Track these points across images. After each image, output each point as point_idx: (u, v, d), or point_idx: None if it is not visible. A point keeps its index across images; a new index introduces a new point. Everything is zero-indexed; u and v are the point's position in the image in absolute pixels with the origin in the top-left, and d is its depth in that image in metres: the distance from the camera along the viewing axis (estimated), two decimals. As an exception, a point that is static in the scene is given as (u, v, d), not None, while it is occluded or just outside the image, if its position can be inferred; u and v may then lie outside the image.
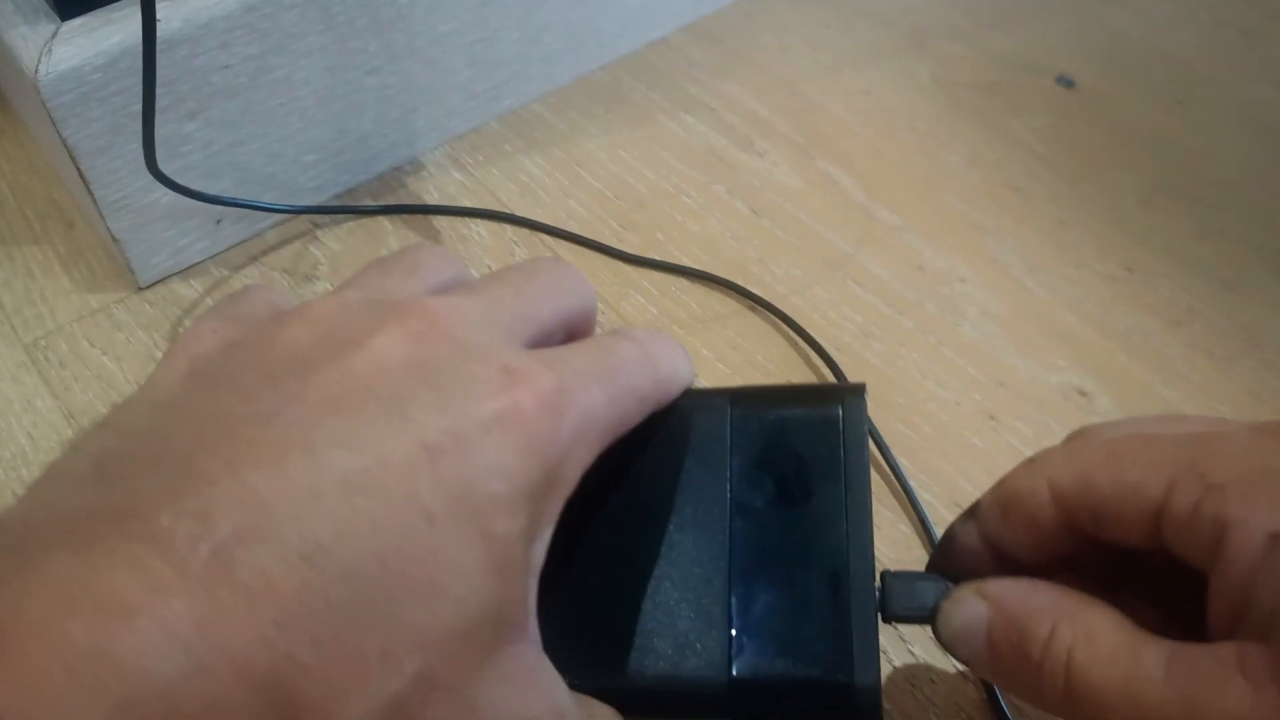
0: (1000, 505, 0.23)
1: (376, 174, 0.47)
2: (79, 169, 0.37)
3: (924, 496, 0.36)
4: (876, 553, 0.33)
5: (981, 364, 0.40)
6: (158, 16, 0.36)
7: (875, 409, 0.38)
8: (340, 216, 0.45)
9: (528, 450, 0.19)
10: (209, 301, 0.42)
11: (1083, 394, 0.39)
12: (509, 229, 0.45)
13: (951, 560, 0.25)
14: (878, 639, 0.24)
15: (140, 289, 0.42)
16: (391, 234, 0.44)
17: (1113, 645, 0.19)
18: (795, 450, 0.25)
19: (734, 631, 0.23)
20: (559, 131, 0.49)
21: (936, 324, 0.41)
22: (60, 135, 0.36)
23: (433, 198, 0.46)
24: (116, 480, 0.18)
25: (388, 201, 0.46)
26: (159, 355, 0.40)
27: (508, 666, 0.19)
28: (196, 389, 0.20)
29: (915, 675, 0.32)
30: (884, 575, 0.25)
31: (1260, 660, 0.17)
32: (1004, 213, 0.46)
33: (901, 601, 0.25)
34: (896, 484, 0.36)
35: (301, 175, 0.44)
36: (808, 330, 0.40)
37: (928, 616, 0.25)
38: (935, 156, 0.48)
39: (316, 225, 0.45)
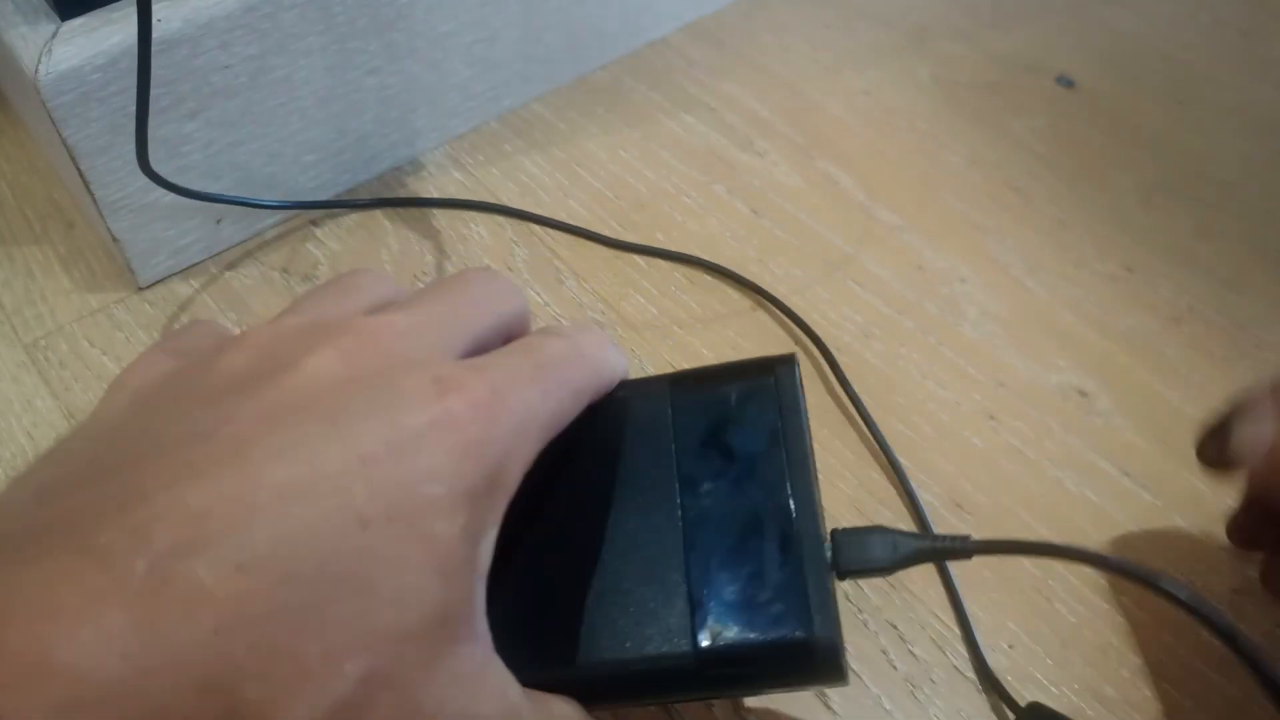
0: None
1: (377, 174, 0.47)
2: (79, 169, 0.37)
3: (924, 497, 0.36)
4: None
5: (981, 364, 0.40)
6: (158, 17, 0.36)
7: (876, 409, 0.38)
8: (341, 216, 0.45)
9: (463, 453, 0.20)
10: (209, 301, 0.42)
11: (1083, 394, 0.39)
12: (509, 229, 0.45)
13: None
14: (834, 594, 0.24)
15: (140, 289, 0.42)
16: (391, 233, 0.44)
17: None
18: (735, 424, 0.26)
19: (694, 605, 0.23)
20: (559, 131, 0.49)
21: (936, 324, 0.41)
22: (60, 135, 0.36)
23: (431, 196, 0.46)
24: (56, 502, 0.18)
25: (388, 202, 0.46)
26: (159, 355, 0.40)
27: (456, 666, 0.19)
28: (136, 415, 0.21)
29: (915, 676, 0.32)
30: (834, 533, 0.26)
31: None
32: (1004, 213, 0.46)
33: (853, 556, 0.25)
34: (898, 484, 0.36)
35: (301, 175, 0.44)
36: (810, 326, 0.40)
37: (881, 569, 0.25)
38: (935, 156, 0.48)
39: (316, 225, 0.45)
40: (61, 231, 0.45)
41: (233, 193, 0.42)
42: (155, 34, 0.36)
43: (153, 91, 0.37)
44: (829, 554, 0.24)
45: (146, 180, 0.39)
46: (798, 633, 0.23)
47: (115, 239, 0.40)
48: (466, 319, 0.24)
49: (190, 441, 0.19)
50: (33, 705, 0.15)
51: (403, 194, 0.46)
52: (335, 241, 0.44)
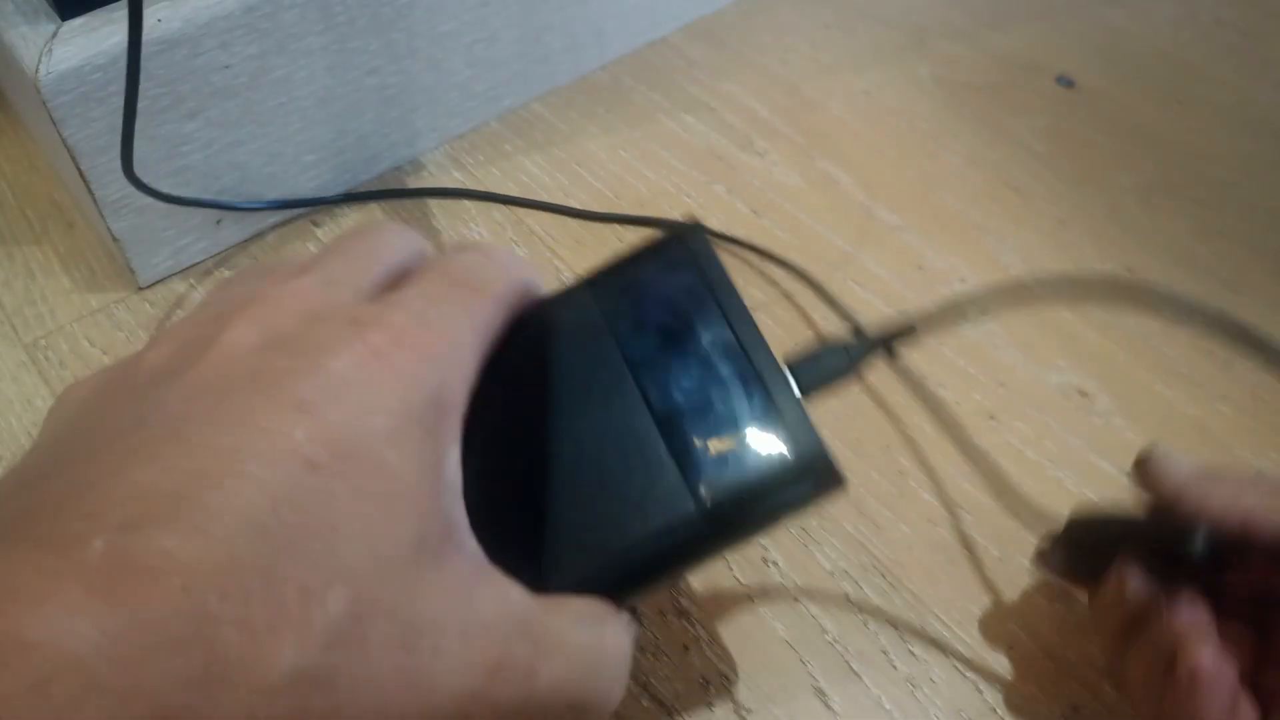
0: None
1: (377, 174, 0.47)
2: (79, 169, 0.37)
3: (924, 496, 0.36)
4: (876, 553, 0.34)
5: (982, 364, 0.40)
6: (158, 17, 0.36)
7: (876, 410, 0.38)
8: (341, 217, 0.45)
9: (397, 381, 0.20)
10: (209, 301, 0.42)
11: (1083, 394, 0.39)
12: (509, 228, 0.45)
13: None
14: (807, 413, 0.24)
15: (140, 289, 0.42)
16: (392, 234, 0.44)
17: None
18: (663, 297, 0.26)
19: (683, 469, 0.24)
20: (559, 131, 0.49)
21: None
22: (60, 135, 0.36)
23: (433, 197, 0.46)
24: (6, 505, 0.19)
25: (387, 201, 0.46)
26: (159, 355, 0.40)
27: (445, 582, 0.20)
28: (77, 422, 0.21)
29: (915, 677, 0.32)
30: (787, 359, 0.26)
31: None
32: (1004, 213, 0.46)
33: (813, 373, 0.26)
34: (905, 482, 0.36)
35: (302, 175, 0.44)
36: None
37: (841, 375, 0.27)
38: (935, 156, 0.48)
39: (316, 225, 0.45)
40: (62, 231, 0.45)
41: (233, 192, 0.42)
42: (155, 34, 0.36)
43: (153, 91, 0.37)
44: (790, 378, 0.25)
45: (147, 180, 0.39)
46: (788, 455, 0.23)
47: (115, 239, 0.40)
48: (369, 264, 0.24)
49: (127, 432, 0.19)
50: (10, 684, 0.15)
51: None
52: (335, 241, 0.44)
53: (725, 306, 0.26)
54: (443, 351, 0.21)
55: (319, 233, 0.44)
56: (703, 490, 0.23)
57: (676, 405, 0.25)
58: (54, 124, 0.36)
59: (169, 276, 0.43)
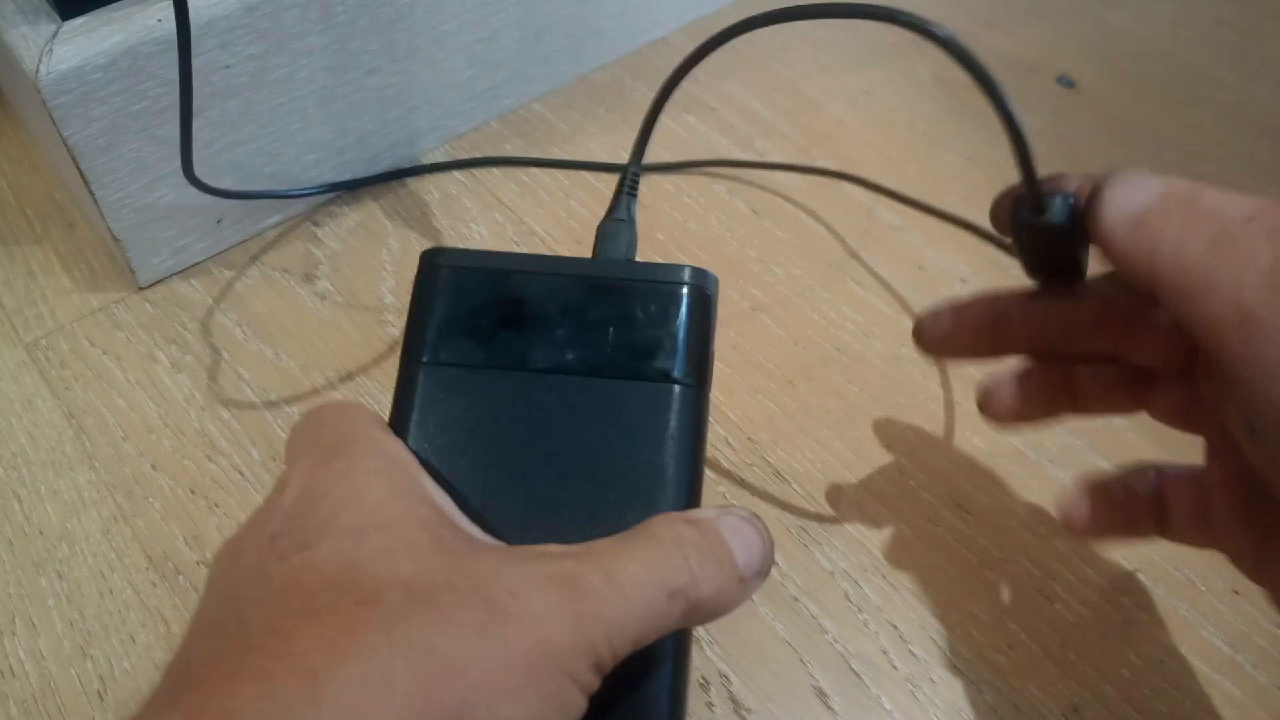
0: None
1: (377, 174, 0.47)
2: (79, 169, 0.37)
3: (924, 496, 0.36)
4: (876, 553, 0.33)
5: (982, 364, 0.40)
6: (158, 17, 0.36)
7: (876, 408, 0.38)
8: (341, 217, 0.45)
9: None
10: (209, 301, 0.42)
11: (1083, 394, 0.39)
12: (509, 228, 0.45)
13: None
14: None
15: (141, 289, 0.42)
16: (391, 234, 0.44)
17: None
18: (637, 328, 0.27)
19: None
20: (559, 131, 0.49)
21: (937, 324, 0.41)
22: (61, 135, 0.36)
23: (433, 197, 0.46)
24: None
25: (388, 202, 0.46)
26: (159, 355, 0.40)
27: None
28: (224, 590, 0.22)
29: (915, 676, 0.32)
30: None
31: None
32: (1004, 213, 0.45)
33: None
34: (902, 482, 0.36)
35: (302, 175, 0.44)
36: (795, 331, 0.40)
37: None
38: (935, 156, 0.48)
39: (316, 225, 0.45)
40: (62, 231, 0.45)
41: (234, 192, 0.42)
42: (155, 34, 0.36)
43: (153, 91, 0.37)
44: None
45: (147, 180, 0.39)
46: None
47: (116, 239, 0.40)
48: None
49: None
50: None
51: (403, 193, 0.46)
52: (335, 241, 0.44)
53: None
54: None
55: (319, 233, 0.44)
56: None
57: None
58: (54, 124, 0.36)
59: (169, 276, 0.43)
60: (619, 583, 0.21)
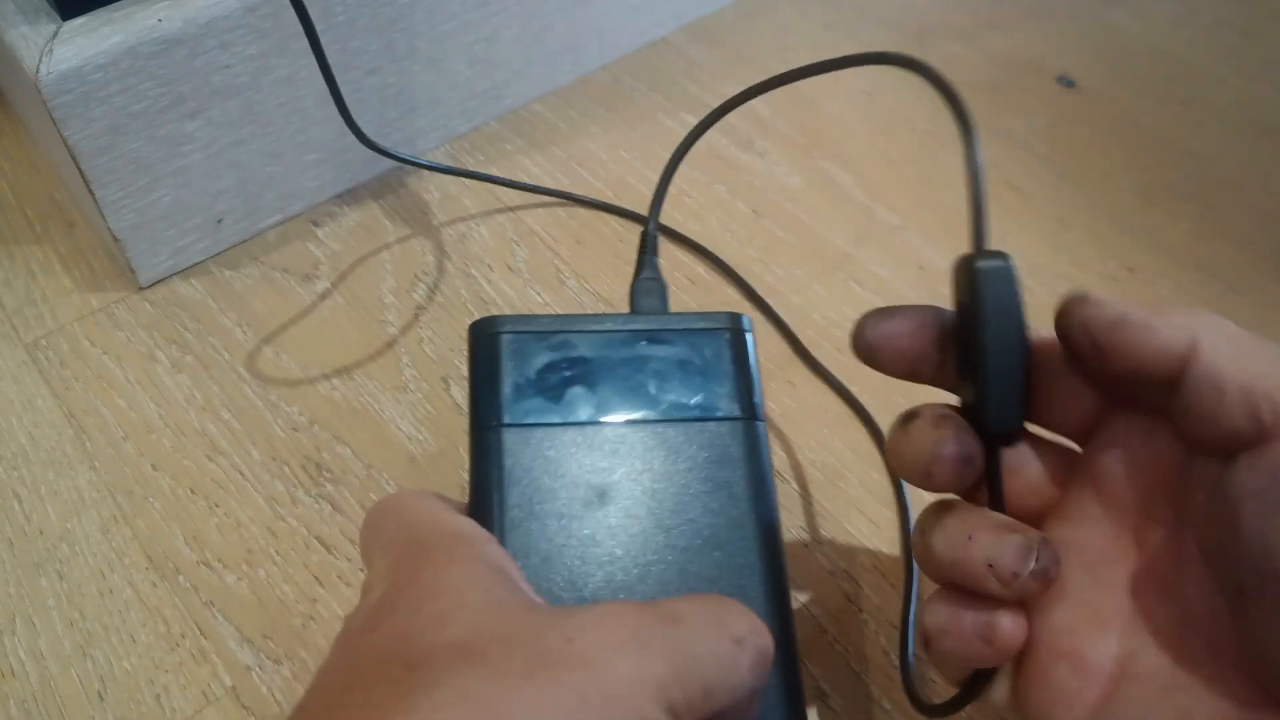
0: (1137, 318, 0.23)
1: (377, 173, 0.47)
2: (79, 169, 0.37)
3: (924, 497, 0.36)
4: (876, 552, 0.34)
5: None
6: (158, 18, 0.36)
7: (876, 409, 0.38)
8: (341, 217, 0.45)
9: None
10: (210, 301, 0.42)
11: (1083, 394, 0.39)
12: (509, 228, 0.45)
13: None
14: None
15: (141, 288, 0.42)
16: (392, 233, 0.44)
17: None
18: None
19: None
20: (559, 131, 0.49)
21: (937, 324, 0.41)
22: (61, 135, 0.36)
23: (433, 197, 0.46)
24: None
25: (388, 202, 0.46)
26: (159, 355, 0.40)
27: None
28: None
29: (916, 676, 0.32)
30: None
31: None
32: (1004, 213, 0.46)
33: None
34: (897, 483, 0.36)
35: (302, 175, 0.44)
36: (795, 330, 0.40)
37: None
38: (935, 156, 0.48)
39: (316, 225, 0.45)
40: (62, 231, 0.45)
41: (232, 193, 0.42)
42: (156, 34, 0.36)
43: (154, 91, 0.37)
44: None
45: (147, 180, 0.39)
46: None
47: (116, 239, 0.40)
48: None
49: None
50: None
51: (403, 193, 0.46)
52: (336, 241, 0.44)
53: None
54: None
55: (319, 233, 0.44)
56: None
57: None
58: (54, 124, 0.36)
59: (170, 276, 0.43)
60: (680, 623, 0.21)
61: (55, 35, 0.35)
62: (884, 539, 0.35)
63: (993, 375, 0.25)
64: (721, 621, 0.21)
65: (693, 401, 0.27)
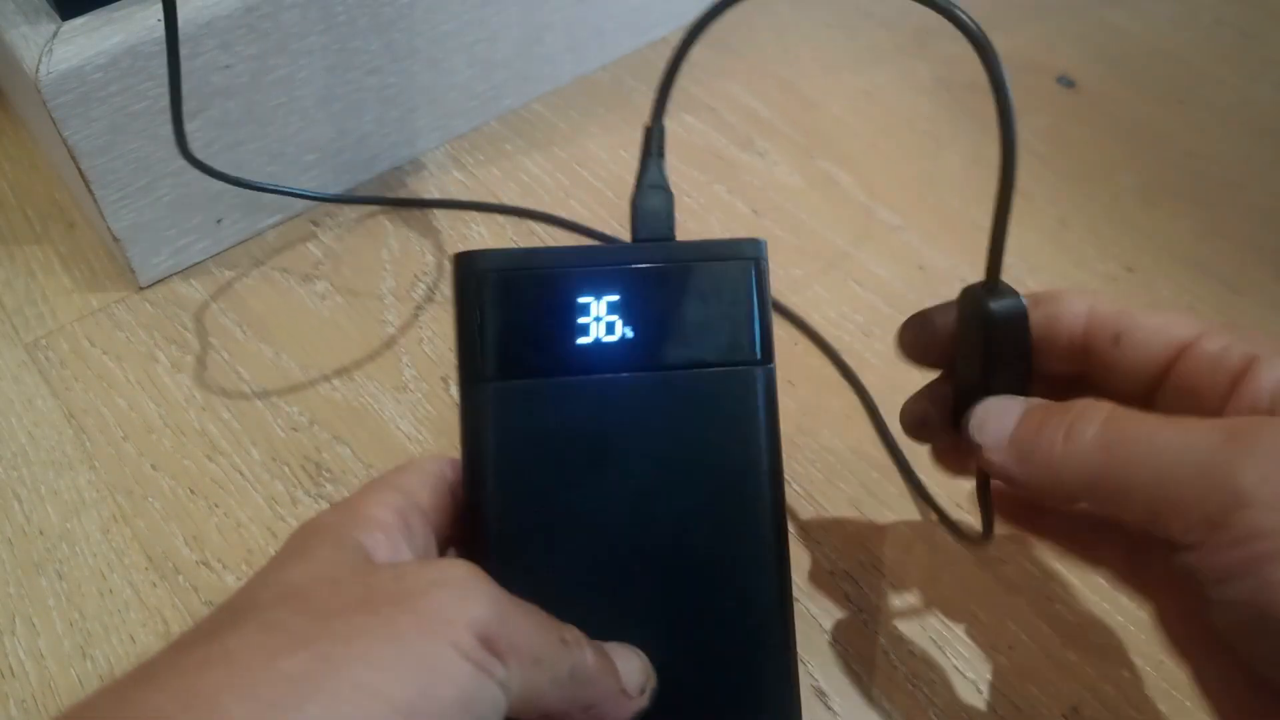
0: (1038, 299, 0.25)
1: (377, 174, 0.47)
2: (79, 169, 0.37)
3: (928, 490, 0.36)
4: (876, 553, 0.33)
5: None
6: (158, 17, 0.36)
7: (877, 409, 0.38)
8: (341, 217, 0.45)
9: None
10: (209, 301, 0.42)
11: (1083, 394, 0.39)
12: (509, 228, 0.45)
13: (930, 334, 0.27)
14: None
15: (141, 288, 0.42)
16: (391, 234, 0.44)
17: (1149, 414, 0.22)
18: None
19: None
20: (559, 131, 0.49)
21: (937, 324, 0.41)
22: (61, 135, 0.36)
23: (433, 197, 0.46)
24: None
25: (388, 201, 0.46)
26: (159, 355, 0.40)
27: None
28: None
29: (916, 676, 0.32)
30: None
31: None
32: (1004, 213, 0.45)
33: None
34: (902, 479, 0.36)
35: (302, 175, 0.44)
36: (795, 330, 0.40)
37: None
38: (935, 156, 0.48)
39: (316, 225, 0.45)
40: (62, 231, 0.45)
41: (234, 191, 0.42)
42: (156, 34, 0.36)
43: (153, 91, 0.37)
44: None
45: (147, 180, 0.39)
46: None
47: (116, 239, 0.40)
48: None
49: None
50: None
51: (403, 194, 0.46)
52: (335, 241, 0.44)
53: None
54: None
55: (319, 233, 0.44)
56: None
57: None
58: (54, 124, 0.36)
59: (169, 276, 0.43)
60: (517, 601, 0.21)
61: (55, 35, 0.35)
62: (884, 538, 0.35)
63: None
64: (556, 625, 0.22)
65: (699, 345, 0.25)
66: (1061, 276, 0.43)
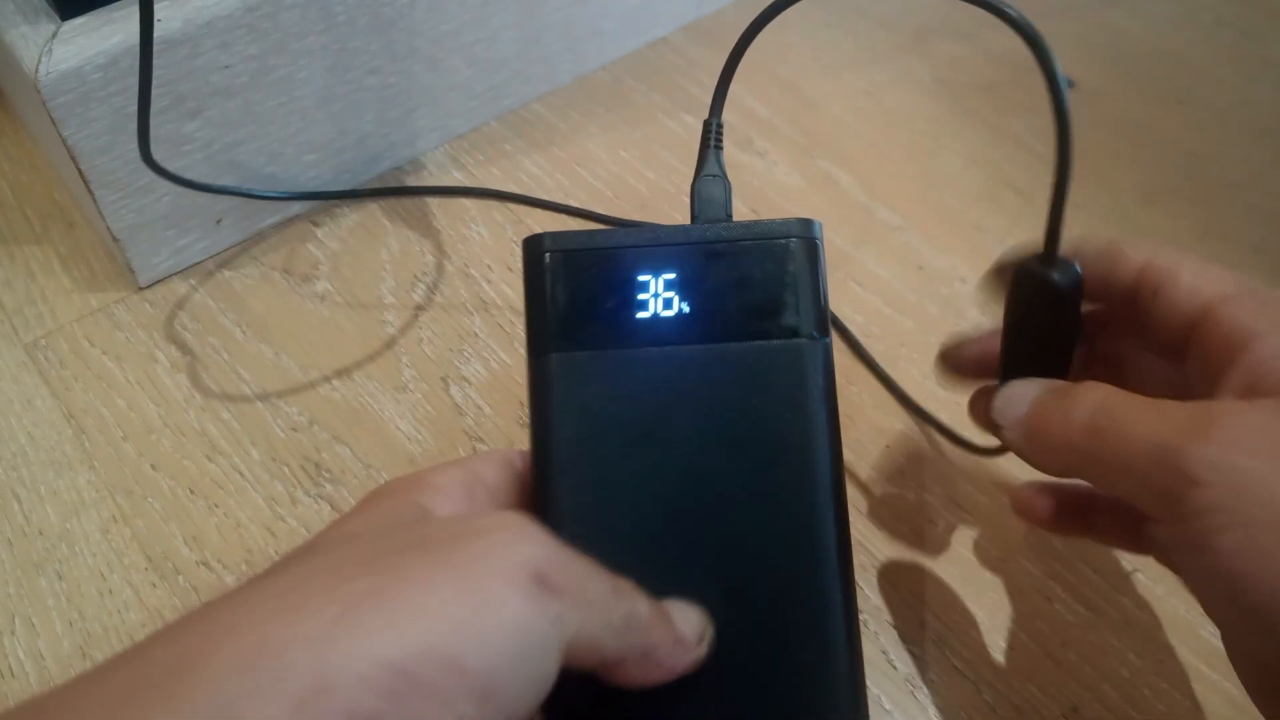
0: (1103, 248, 0.27)
1: (377, 174, 0.47)
2: (79, 169, 0.37)
3: (924, 497, 0.36)
4: (876, 553, 0.33)
5: (981, 364, 0.40)
6: (159, 17, 0.36)
7: (876, 409, 0.38)
8: (341, 217, 0.45)
9: None
10: (209, 301, 0.42)
11: (1083, 394, 0.39)
12: (509, 229, 0.45)
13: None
14: None
15: (140, 289, 0.42)
16: (391, 233, 0.44)
17: (1137, 395, 0.24)
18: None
19: None
20: (559, 131, 0.49)
21: (937, 324, 0.41)
22: (60, 135, 0.36)
23: (433, 196, 0.46)
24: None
25: (387, 201, 0.46)
26: (159, 355, 0.40)
27: None
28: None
29: (915, 677, 0.32)
30: None
31: (1266, 401, 0.22)
32: (1004, 213, 0.46)
33: None
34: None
35: (302, 175, 0.44)
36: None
37: None
38: (935, 156, 0.48)
39: (316, 225, 0.45)
40: (61, 231, 0.45)
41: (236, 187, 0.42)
42: (156, 34, 0.36)
43: (153, 91, 0.37)
44: None
45: (147, 180, 0.39)
46: None
47: (115, 239, 0.40)
48: None
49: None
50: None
51: (403, 193, 0.46)
52: (335, 241, 0.44)
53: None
54: None
55: (319, 233, 0.44)
56: None
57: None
58: (54, 124, 0.36)
59: (169, 276, 0.43)
60: (571, 551, 0.21)
61: (55, 35, 0.35)
62: (883, 539, 0.35)
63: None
64: (608, 574, 0.22)
65: (758, 319, 0.26)
66: (1061, 276, 0.43)
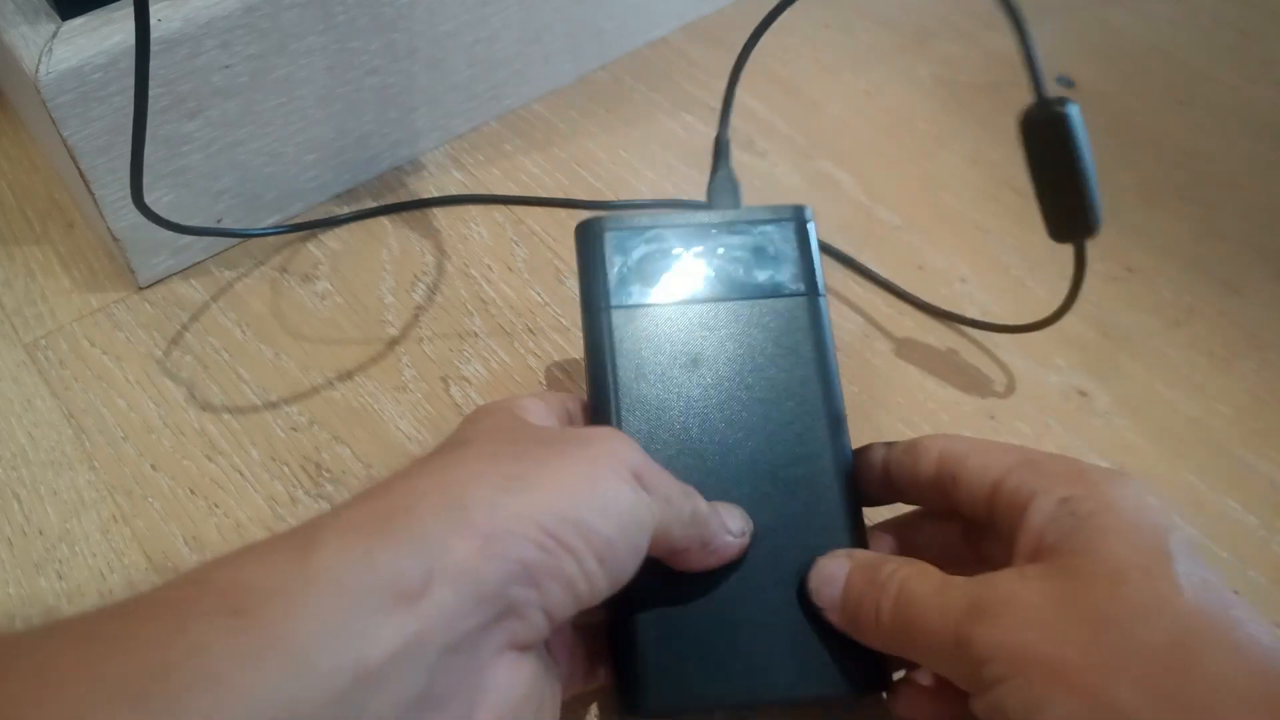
0: (906, 447, 0.30)
1: (377, 174, 0.47)
2: (79, 169, 0.37)
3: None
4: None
5: (981, 363, 0.40)
6: (159, 17, 0.36)
7: (876, 408, 0.38)
8: (341, 219, 0.45)
9: None
10: (209, 301, 0.42)
11: (1083, 394, 0.39)
12: (509, 229, 0.45)
13: (866, 471, 0.31)
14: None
15: (140, 289, 0.42)
16: (391, 234, 0.44)
17: (934, 573, 0.27)
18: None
19: None
20: (559, 131, 0.49)
21: (937, 324, 0.41)
22: (61, 135, 0.36)
23: (432, 197, 0.46)
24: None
25: (388, 201, 0.46)
26: (159, 355, 0.40)
27: None
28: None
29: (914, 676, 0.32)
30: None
31: (1035, 568, 0.25)
32: (1004, 213, 0.46)
33: None
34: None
35: (302, 175, 0.44)
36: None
37: None
38: (935, 156, 0.48)
39: (316, 225, 0.45)
40: (61, 231, 0.45)
41: (233, 192, 0.42)
42: (156, 34, 0.36)
43: (153, 91, 0.37)
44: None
45: (147, 180, 0.39)
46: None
47: (115, 239, 0.40)
48: None
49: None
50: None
51: (403, 194, 0.46)
52: (335, 241, 0.44)
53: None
54: None
55: (318, 233, 0.44)
56: None
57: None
58: (54, 124, 0.36)
59: (169, 276, 0.43)
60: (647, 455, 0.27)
61: (55, 35, 0.35)
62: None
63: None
64: (678, 480, 0.27)
65: (766, 281, 0.33)
66: (1062, 276, 0.43)
